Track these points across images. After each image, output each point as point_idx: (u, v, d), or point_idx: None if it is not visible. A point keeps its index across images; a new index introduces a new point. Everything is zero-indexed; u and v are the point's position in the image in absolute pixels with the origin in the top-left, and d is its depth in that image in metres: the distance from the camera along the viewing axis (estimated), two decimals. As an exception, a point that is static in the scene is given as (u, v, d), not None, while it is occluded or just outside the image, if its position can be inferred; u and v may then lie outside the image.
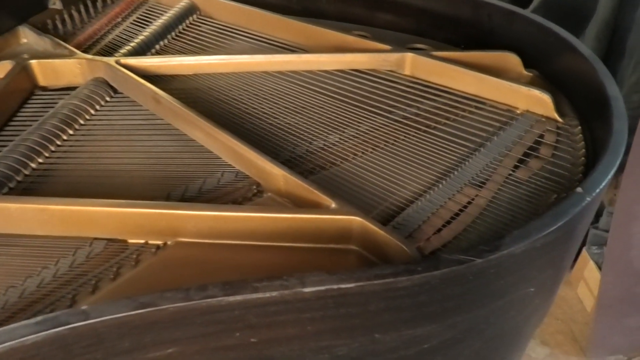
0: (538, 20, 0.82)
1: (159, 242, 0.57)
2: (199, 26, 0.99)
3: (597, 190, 0.49)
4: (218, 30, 0.97)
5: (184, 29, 0.98)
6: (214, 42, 0.93)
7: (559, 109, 0.71)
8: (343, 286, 0.41)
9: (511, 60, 0.80)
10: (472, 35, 0.90)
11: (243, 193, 0.63)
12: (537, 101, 0.71)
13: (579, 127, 0.68)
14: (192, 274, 0.54)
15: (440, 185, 0.61)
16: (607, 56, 1.27)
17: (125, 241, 0.58)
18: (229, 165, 0.66)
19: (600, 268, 1.34)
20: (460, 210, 0.57)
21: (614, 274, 1.23)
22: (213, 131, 0.67)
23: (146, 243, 0.57)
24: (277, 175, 0.60)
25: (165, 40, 0.94)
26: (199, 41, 0.94)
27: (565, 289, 1.50)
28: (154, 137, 0.72)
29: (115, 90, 0.81)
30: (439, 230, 0.55)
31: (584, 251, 1.44)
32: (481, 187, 0.60)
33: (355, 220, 0.53)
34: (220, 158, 0.67)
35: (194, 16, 0.99)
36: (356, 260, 0.54)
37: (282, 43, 0.91)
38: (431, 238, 0.54)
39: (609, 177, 0.51)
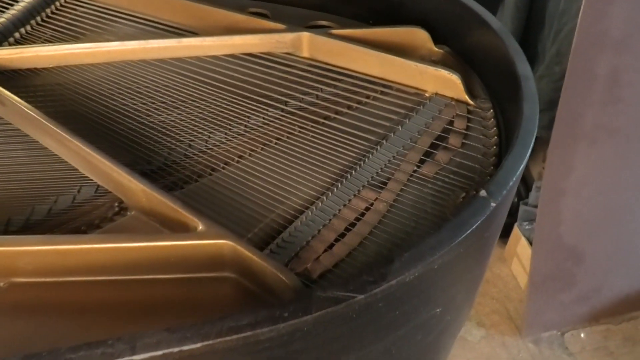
0: (447, -9, 0.74)
1: (-12, 286, 0.46)
2: (74, 9, 0.85)
3: (504, 192, 0.42)
4: (96, 12, 0.83)
5: (53, 13, 0.84)
6: (90, 27, 0.79)
7: (470, 90, 0.64)
8: (187, 348, 0.32)
9: (420, 36, 0.72)
10: (381, 10, 0.81)
11: (103, 212, 0.52)
12: (446, 82, 0.64)
13: (491, 111, 0.61)
14: (27, 325, 0.43)
15: (335, 190, 0.52)
16: (527, 26, 1.22)
17: (-54, 286, 0.46)
18: (88, 178, 0.55)
19: (532, 244, 1.32)
20: (357, 219, 0.49)
21: (545, 250, 1.21)
22: (64, 138, 0.55)
23: (-30, 287, 0.46)
24: (135, 190, 0.49)
25: (28, 27, 0.80)
26: (72, 27, 0.80)
27: (500, 265, 1.48)
28: None
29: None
30: (331, 246, 0.47)
31: (516, 227, 1.42)
32: (382, 188, 0.52)
33: (225, 244, 0.43)
34: (77, 170, 0.56)
35: (64, -2, 0.85)
36: (233, 289, 0.45)
37: (170, 26, 0.79)
38: (321, 257, 0.46)
39: (518, 175, 0.44)
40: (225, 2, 0.81)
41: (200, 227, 0.45)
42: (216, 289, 0.45)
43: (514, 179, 0.43)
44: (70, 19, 0.82)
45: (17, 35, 0.78)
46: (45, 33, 0.80)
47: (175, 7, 0.79)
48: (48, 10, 0.83)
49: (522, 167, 0.44)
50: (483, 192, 0.41)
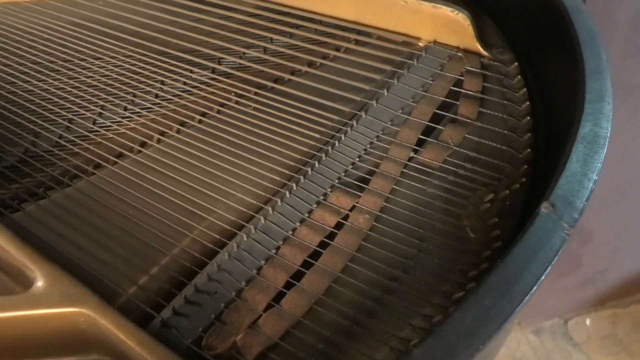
0: None
1: None
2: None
3: (582, 206, 0.23)
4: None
5: None
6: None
7: (482, 37, 0.44)
8: None
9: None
10: None
11: None
12: (449, 24, 0.44)
13: (516, 65, 0.42)
14: None
15: (288, 195, 0.33)
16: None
17: None
18: None
19: (530, 222, 1.16)
20: (323, 245, 0.30)
21: (547, 231, 1.05)
22: None
23: None
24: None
25: None
26: None
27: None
28: None
29: None
30: (279, 297, 0.27)
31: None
32: (362, 189, 0.33)
33: (80, 314, 0.24)
34: None
35: None
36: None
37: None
38: (261, 321, 0.26)
39: (598, 170, 0.25)
40: None
41: (39, 281, 0.25)
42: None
43: (595, 177, 0.25)
44: None
45: None
46: None
47: None
48: None
49: (602, 156, 0.26)
50: (547, 207, 0.22)
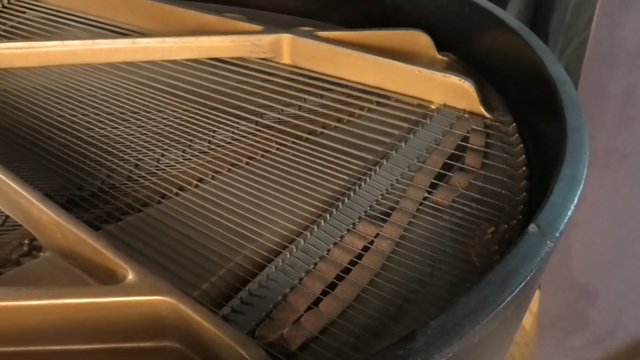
0: (451, -11, 0.63)
1: None
2: (23, 12, 0.73)
3: (561, 227, 0.30)
4: (45, 15, 0.71)
5: (-6, 14, 0.71)
6: (38, 30, 0.67)
7: (485, 101, 0.52)
8: None
9: (420, 41, 0.61)
10: (373, 14, 0.70)
11: (6, 253, 0.38)
12: (456, 91, 0.52)
13: (514, 125, 0.50)
14: None
15: (323, 223, 0.39)
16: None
17: None
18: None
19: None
20: (353, 263, 0.36)
21: (554, 289, 1.09)
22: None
23: None
24: (48, 222, 0.36)
25: (-37, 28, 0.68)
26: (19, 30, 0.68)
27: (501, 304, 1.34)
28: None
29: None
30: (318, 301, 0.33)
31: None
32: (384, 221, 0.40)
33: (163, 302, 0.30)
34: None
35: (11, -2, 0.73)
36: (177, 366, 0.31)
37: (129, 29, 0.67)
38: (303, 318, 0.32)
39: (575, 202, 0.32)
40: (197, 6, 0.70)
41: (130, 276, 0.31)
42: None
43: (572, 207, 0.31)
44: (18, 22, 0.71)
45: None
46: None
47: (134, 7, 0.68)
48: (-12, 11, 0.71)
49: (579, 191, 0.32)
50: (533, 227, 0.29)
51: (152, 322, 0.31)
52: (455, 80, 0.52)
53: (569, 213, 0.31)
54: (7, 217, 0.41)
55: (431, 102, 0.53)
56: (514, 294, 0.26)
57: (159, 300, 0.30)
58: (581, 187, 0.32)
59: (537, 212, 0.30)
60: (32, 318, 0.30)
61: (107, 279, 0.34)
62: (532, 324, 1.18)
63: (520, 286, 0.26)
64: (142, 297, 0.30)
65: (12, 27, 0.70)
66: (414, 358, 0.23)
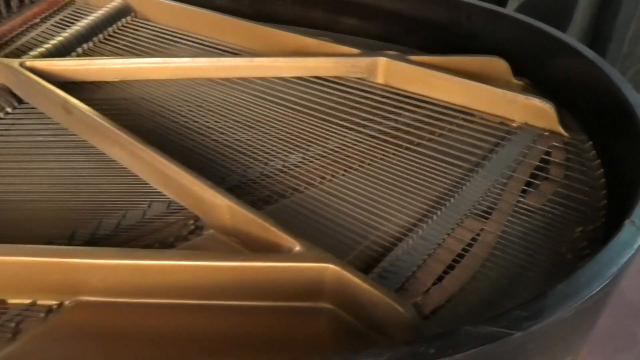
0: (527, 20, 0.71)
1: (52, 303, 0.40)
2: (136, 30, 0.83)
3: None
4: (157, 34, 0.82)
5: (115, 32, 0.82)
6: (151, 47, 0.77)
7: (562, 122, 0.60)
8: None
9: (499, 66, 0.69)
10: (450, 40, 0.78)
11: (176, 230, 0.47)
12: (537, 112, 0.60)
13: (590, 143, 0.57)
14: (92, 351, 0.38)
15: (435, 218, 0.47)
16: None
17: (3, 301, 0.41)
18: (159, 193, 0.51)
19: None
20: (464, 250, 0.44)
21: (600, 305, 1.13)
22: (137, 149, 0.51)
23: (33, 304, 0.41)
24: (220, 206, 0.45)
25: (90, 44, 0.78)
26: (133, 46, 0.78)
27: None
28: (63, 158, 0.56)
29: (20, 100, 0.64)
30: (440, 278, 0.41)
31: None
32: (486, 218, 0.47)
33: (328, 268, 0.38)
34: (147, 184, 0.52)
35: (128, 18, 0.84)
36: (329, 323, 0.39)
37: (233, 48, 0.77)
38: (431, 290, 0.40)
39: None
40: (289, 29, 0.79)
41: (298, 247, 0.40)
42: (307, 322, 0.39)
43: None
44: (132, 39, 0.81)
45: (79, 50, 0.76)
46: (105, 51, 0.78)
47: (240, 29, 0.77)
48: (110, 29, 0.82)
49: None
50: (629, 222, 0.36)
51: (315, 285, 0.39)
52: (537, 102, 0.59)
53: (657, 213, 0.38)
54: (172, 201, 0.50)
55: (512, 121, 0.61)
56: (618, 268, 0.33)
57: (324, 267, 0.38)
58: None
59: (632, 210, 0.37)
60: (225, 276, 0.39)
61: (269, 252, 0.42)
62: (577, 340, 1.22)
63: (623, 263, 0.33)
64: (311, 264, 0.38)
65: (128, 42, 0.81)
66: (548, 311, 0.30)
